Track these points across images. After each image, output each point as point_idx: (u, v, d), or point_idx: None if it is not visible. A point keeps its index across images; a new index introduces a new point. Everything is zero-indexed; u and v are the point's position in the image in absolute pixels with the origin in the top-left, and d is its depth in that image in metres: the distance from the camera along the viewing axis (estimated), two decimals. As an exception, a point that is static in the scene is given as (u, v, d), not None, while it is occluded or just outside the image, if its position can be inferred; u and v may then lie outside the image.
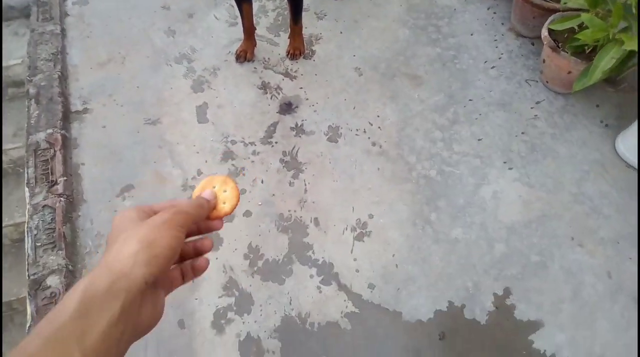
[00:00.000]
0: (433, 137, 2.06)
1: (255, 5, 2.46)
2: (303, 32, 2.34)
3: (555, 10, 2.16)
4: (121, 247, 0.48)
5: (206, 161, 1.98)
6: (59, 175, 1.81)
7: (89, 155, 1.98)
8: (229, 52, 2.37)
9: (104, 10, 2.59)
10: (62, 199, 1.75)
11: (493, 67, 2.30)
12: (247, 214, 1.84)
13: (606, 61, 1.72)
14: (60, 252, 1.60)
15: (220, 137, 2.06)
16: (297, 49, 2.33)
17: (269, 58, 2.36)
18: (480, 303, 1.65)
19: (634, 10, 1.66)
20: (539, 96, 2.19)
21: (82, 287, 0.43)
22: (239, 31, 2.37)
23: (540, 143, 2.03)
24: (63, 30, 2.46)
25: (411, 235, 1.79)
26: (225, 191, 0.66)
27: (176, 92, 2.21)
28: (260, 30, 2.45)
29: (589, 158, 1.98)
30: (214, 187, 0.67)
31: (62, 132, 1.96)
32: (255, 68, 2.32)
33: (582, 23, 1.87)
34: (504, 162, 1.98)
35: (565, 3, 1.97)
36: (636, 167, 1.93)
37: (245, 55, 2.32)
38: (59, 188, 1.77)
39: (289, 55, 2.34)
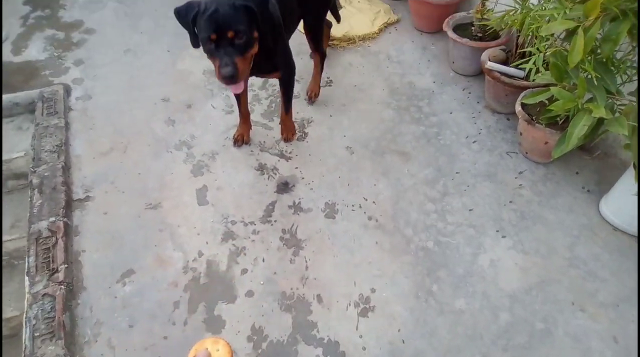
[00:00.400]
0: (426, 209, 2.13)
1: (249, 95, 2.64)
2: (295, 118, 2.50)
3: (525, 88, 2.37)
4: None
5: (207, 242, 2.01)
6: (60, 262, 1.81)
7: (90, 242, 2.00)
8: (227, 137, 2.50)
9: (106, 104, 2.74)
10: (62, 286, 1.73)
11: (474, 142, 2.45)
12: (249, 294, 1.83)
13: (580, 128, 1.86)
14: (60, 341, 1.55)
15: (221, 218, 2.10)
16: (290, 131, 2.48)
17: (264, 141, 2.49)
18: (491, 376, 1.62)
19: (596, 83, 1.84)
20: (520, 166, 2.32)
21: None
22: (235, 118, 2.53)
23: (528, 211, 2.12)
24: (67, 123, 2.59)
25: (415, 308, 1.79)
26: (217, 350, 0.72)
27: (176, 177, 2.29)
28: (254, 117, 2.61)
29: (577, 223, 2.07)
30: (206, 348, 0.72)
31: (65, 220, 1.99)
32: (252, 151, 2.43)
33: (552, 96, 2.05)
34: (497, 231, 2.04)
35: (534, 80, 2.18)
36: (622, 230, 2.01)
37: (242, 138, 2.45)
38: (60, 276, 1.76)
39: (284, 138, 2.48)
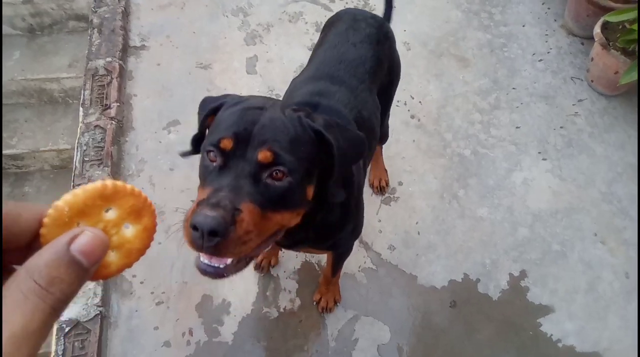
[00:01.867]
0: (472, 119, 2.09)
1: None
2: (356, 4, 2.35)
3: (610, 9, 2.15)
4: None
5: (250, 110, 2.06)
6: (112, 100, 1.91)
7: (141, 88, 2.08)
8: (284, 11, 2.43)
9: (168, -44, 2.66)
10: (113, 122, 1.85)
11: (540, 60, 2.30)
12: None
13: (653, 59, 1.73)
14: (106, 168, 1.71)
15: (267, 89, 2.13)
16: (331, 298, 1.63)
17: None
18: (495, 280, 1.70)
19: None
20: (582, 94, 2.19)
21: None
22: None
23: (577, 139, 2.04)
24: (128, -30, 2.55)
25: (437, 207, 1.84)
26: (127, 227, 0.36)
27: (229, 42, 2.28)
28: None
29: (624, 161, 1.99)
30: (106, 211, 0.35)
31: (120, 62, 2.06)
32: (307, 30, 2.37)
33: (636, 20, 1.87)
34: (539, 152, 2.00)
35: None
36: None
37: (268, 265, 1.69)
38: (112, 112, 1.88)
39: (320, 306, 1.64)
